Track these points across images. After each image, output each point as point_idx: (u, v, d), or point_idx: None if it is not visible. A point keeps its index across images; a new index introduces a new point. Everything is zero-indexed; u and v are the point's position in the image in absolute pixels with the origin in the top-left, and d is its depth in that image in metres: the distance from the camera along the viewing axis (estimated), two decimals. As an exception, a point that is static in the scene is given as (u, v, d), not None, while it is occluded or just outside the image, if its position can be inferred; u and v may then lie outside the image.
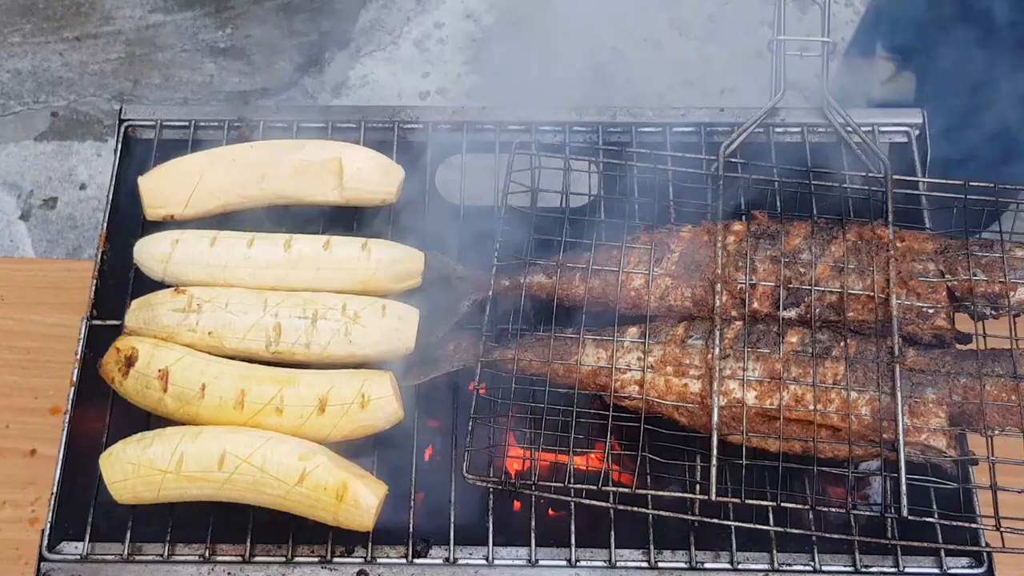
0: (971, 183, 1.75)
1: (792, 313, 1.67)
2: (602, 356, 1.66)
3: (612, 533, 1.62)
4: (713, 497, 1.53)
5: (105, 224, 1.87)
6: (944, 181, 1.82)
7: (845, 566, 1.60)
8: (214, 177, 1.79)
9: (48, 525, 1.62)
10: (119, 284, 1.82)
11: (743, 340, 1.62)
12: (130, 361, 1.62)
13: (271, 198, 1.82)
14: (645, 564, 1.60)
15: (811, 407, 1.57)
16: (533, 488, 1.58)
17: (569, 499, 1.60)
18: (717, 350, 1.61)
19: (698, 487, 1.58)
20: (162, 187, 1.80)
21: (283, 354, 1.66)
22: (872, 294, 1.65)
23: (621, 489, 1.56)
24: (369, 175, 1.81)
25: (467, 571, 1.60)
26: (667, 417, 1.63)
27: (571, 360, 1.66)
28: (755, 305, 1.68)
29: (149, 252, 1.75)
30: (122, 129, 1.99)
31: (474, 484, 1.59)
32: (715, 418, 1.57)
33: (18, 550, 1.93)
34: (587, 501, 1.58)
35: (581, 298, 1.72)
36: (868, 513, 1.62)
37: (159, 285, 1.76)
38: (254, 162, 1.80)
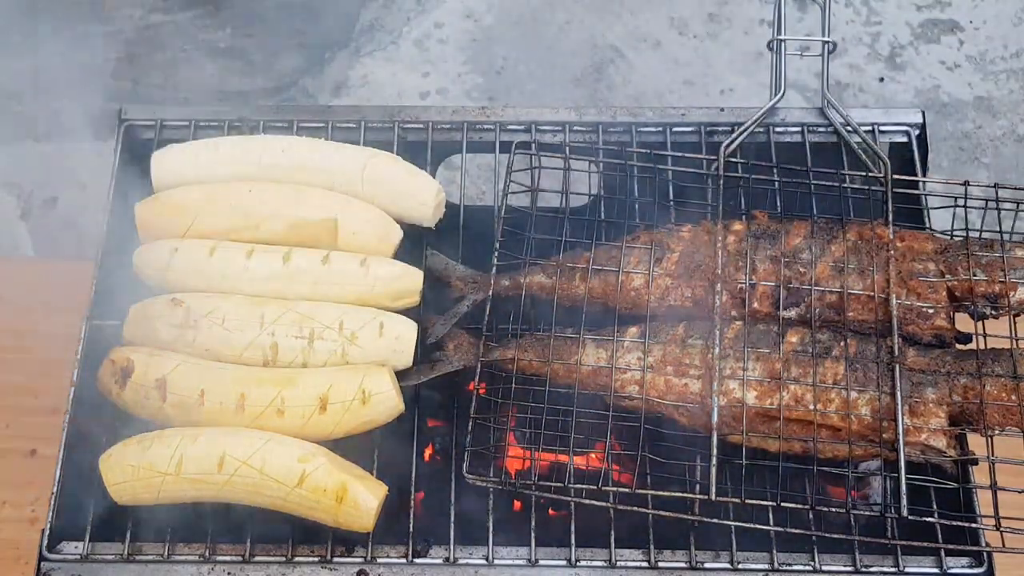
0: (971, 183, 1.76)
1: (792, 313, 1.67)
2: (602, 356, 1.66)
3: (612, 533, 1.62)
4: (713, 497, 1.53)
5: (105, 224, 1.87)
6: (944, 181, 1.82)
7: (845, 566, 1.60)
8: (209, 220, 1.76)
9: (48, 525, 1.62)
10: (119, 284, 1.82)
11: (743, 340, 1.62)
12: (126, 372, 1.61)
13: (266, 242, 1.78)
14: (645, 564, 1.60)
15: (811, 407, 1.57)
16: (533, 488, 1.58)
17: (569, 499, 1.60)
18: (717, 350, 1.61)
19: (698, 487, 1.58)
20: (157, 219, 1.78)
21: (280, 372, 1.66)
22: (872, 294, 1.65)
23: (621, 489, 1.56)
24: (364, 240, 1.76)
25: (467, 571, 1.60)
26: (667, 417, 1.63)
27: (571, 360, 1.66)
28: (755, 305, 1.68)
29: (148, 260, 1.75)
30: (122, 129, 1.99)
31: (474, 484, 1.59)
32: (715, 418, 1.57)
33: (18, 550, 1.93)
34: (587, 501, 1.58)
35: (581, 298, 1.72)
36: (868, 513, 1.62)
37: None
38: (251, 211, 1.76)
